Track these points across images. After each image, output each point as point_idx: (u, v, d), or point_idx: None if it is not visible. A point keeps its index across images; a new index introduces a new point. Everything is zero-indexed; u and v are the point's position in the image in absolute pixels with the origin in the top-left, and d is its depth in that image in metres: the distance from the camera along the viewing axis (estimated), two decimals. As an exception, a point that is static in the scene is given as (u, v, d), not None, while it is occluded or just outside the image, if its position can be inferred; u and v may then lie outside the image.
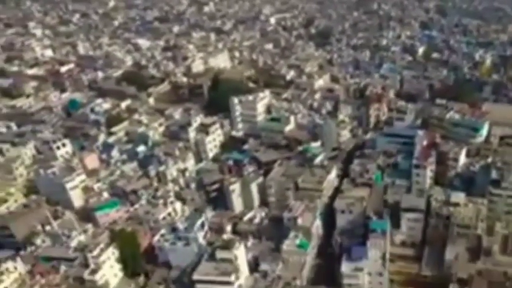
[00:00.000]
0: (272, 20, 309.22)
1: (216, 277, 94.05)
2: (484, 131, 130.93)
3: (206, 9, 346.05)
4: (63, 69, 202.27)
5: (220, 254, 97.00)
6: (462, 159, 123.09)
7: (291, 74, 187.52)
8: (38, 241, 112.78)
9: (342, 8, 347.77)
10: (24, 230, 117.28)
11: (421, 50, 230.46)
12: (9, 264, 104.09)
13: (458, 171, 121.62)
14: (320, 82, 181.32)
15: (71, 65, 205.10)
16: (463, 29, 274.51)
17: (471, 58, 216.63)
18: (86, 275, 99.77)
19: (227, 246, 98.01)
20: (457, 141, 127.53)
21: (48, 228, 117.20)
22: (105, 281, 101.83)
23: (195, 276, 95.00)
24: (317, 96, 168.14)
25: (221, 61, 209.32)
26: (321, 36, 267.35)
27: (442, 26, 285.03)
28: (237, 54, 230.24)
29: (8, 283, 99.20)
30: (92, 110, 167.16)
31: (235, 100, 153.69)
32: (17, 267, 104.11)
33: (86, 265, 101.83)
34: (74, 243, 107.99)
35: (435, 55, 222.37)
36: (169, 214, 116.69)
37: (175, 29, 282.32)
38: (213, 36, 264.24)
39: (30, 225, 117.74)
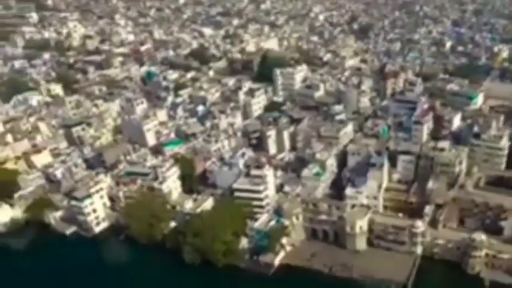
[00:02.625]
0: (320, 17, 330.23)
1: (249, 186, 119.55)
2: (478, 100, 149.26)
3: (263, 6, 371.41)
4: (142, 48, 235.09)
5: (254, 172, 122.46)
6: (456, 121, 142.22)
7: (327, 56, 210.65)
8: (121, 166, 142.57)
9: (386, 9, 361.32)
10: (112, 158, 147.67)
11: (448, 44, 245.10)
12: (102, 176, 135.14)
13: (452, 130, 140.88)
14: (350, 62, 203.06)
15: (149, 45, 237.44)
16: (490, 28, 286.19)
17: (490, 51, 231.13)
18: (156, 184, 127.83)
19: (260, 166, 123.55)
20: (454, 108, 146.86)
21: (128, 158, 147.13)
22: (169, 191, 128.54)
23: (234, 186, 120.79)
24: (346, 73, 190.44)
25: (271, 45, 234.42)
26: (361, 31, 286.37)
27: (472, 24, 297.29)
28: (285, 43, 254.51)
29: (104, 185, 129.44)
30: (164, 78, 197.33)
31: (278, 72, 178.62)
32: (107, 180, 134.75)
33: (156, 178, 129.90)
34: (148, 164, 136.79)
35: (460, 48, 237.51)
36: (218, 148, 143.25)
37: (235, 22, 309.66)
38: (266, 28, 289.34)
39: (116, 155, 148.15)
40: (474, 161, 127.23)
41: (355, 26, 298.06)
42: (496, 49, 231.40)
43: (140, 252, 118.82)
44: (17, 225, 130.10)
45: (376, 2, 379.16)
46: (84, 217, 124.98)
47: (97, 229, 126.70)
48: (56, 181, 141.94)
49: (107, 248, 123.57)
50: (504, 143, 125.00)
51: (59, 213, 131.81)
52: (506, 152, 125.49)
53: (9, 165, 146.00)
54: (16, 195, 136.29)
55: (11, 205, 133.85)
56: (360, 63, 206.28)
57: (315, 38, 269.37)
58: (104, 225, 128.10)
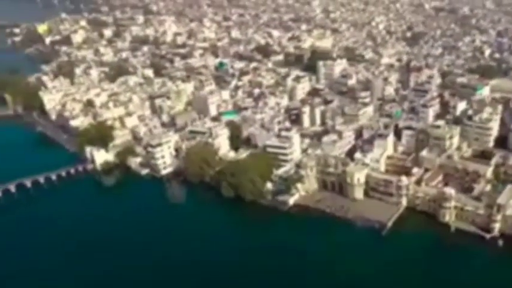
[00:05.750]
0: (380, 26, 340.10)
1: (277, 143, 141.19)
2: (483, 92, 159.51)
3: (332, 15, 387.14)
4: (219, 44, 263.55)
5: (283, 133, 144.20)
6: (460, 107, 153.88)
7: (369, 55, 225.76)
8: (188, 128, 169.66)
9: (444, 22, 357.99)
10: (181, 122, 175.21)
11: (487, 52, 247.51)
12: (171, 133, 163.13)
13: (455, 115, 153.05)
14: (386, 60, 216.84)
15: (224, 42, 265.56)
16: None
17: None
18: (210, 140, 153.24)
19: (288, 129, 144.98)
20: (461, 97, 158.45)
21: (196, 122, 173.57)
22: (219, 146, 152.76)
23: (267, 142, 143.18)
24: (381, 68, 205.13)
25: (324, 44, 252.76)
26: (413, 38, 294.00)
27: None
28: (340, 44, 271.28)
29: (172, 140, 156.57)
30: (232, 67, 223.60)
31: (321, 63, 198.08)
32: (175, 136, 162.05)
33: (210, 136, 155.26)
34: (206, 125, 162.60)
35: (497, 55, 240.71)
36: (262, 118, 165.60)
37: (303, 27, 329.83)
38: (328, 32, 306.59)
39: (185, 120, 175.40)
40: (466, 138, 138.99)
41: (408, 34, 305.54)
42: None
43: (192, 189, 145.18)
44: (109, 166, 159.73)
45: (437, 15, 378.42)
46: (155, 161, 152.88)
47: (164, 172, 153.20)
48: (139, 137, 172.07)
49: (169, 186, 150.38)
50: (492, 124, 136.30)
51: (138, 159, 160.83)
52: (493, 132, 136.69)
53: (109, 123, 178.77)
54: (110, 145, 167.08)
55: (106, 151, 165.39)
56: (395, 61, 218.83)
57: (369, 43, 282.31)
58: (169, 169, 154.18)
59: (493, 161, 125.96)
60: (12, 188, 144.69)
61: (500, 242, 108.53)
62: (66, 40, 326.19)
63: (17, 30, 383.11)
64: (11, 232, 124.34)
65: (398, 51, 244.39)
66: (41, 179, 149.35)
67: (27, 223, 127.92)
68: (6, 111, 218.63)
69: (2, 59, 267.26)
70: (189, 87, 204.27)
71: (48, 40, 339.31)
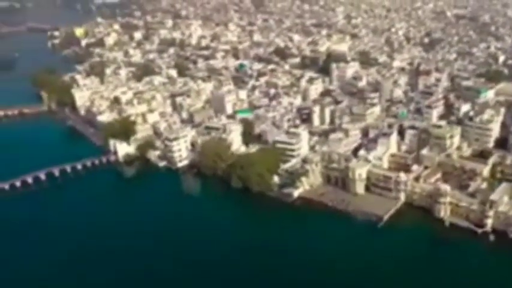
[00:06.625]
0: (400, 32, 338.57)
1: (285, 139, 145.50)
2: (487, 95, 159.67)
3: (354, 21, 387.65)
4: (240, 47, 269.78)
5: (291, 130, 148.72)
6: (464, 109, 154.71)
7: (382, 58, 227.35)
8: (204, 124, 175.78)
9: (463, 29, 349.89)
10: (199, 118, 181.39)
11: (501, 58, 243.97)
12: (188, 128, 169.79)
13: (458, 116, 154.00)
14: (397, 63, 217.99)
15: (245, 45, 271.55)
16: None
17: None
18: (223, 135, 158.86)
19: (296, 126, 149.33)
20: (466, 100, 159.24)
21: (213, 120, 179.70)
22: (231, 141, 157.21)
23: (276, 138, 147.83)
24: (393, 71, 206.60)
25: (341, 48, 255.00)
26: (429, 44, 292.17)
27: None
28: (357, 48, 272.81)
29: (188, 134, 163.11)
30: (250, 68, 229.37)
31: (334, 66, 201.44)
32: (192, 132, 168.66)
33: (224, 131, 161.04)
34: (221, 122, 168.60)
35: (510, 62, 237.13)
36: (274, 116, 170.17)
37: (324, 32, 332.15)
38: (348, 38, 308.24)
39: (202, 117, 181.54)
40: (467, 138, 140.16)
41: (426, 40, 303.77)
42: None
43: (205, 180, 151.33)
44: (130, 158, 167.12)
45: (457, 22, 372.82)
46: (172, 154, 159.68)
47: (179, 164, 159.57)
48: (159, 132, 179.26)
49: (184, 177, 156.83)
50: (493, 126, 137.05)
51: (157, 152, 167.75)
52: (493, 133, 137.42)
53: (132, 119, 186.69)
54: (132, 138, 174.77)
55: (128, 144, 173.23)
56: (406, 65, 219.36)
57: (386, 48, 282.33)
58: (185, 162, 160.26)
59: (491, 160, 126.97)
60: (42, 175, 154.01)
61: (492, 237, 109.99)
62: (100, 42, 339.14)
63: (56, 34, 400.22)
64: (40, 213, 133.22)
65: (412, 55, 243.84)
66: (68, 168, 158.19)
67: (53, 207, 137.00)
68: (42, 108, 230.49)
69: (42, 60, 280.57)
70: (208, 87, 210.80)
71: (83, 42, 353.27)
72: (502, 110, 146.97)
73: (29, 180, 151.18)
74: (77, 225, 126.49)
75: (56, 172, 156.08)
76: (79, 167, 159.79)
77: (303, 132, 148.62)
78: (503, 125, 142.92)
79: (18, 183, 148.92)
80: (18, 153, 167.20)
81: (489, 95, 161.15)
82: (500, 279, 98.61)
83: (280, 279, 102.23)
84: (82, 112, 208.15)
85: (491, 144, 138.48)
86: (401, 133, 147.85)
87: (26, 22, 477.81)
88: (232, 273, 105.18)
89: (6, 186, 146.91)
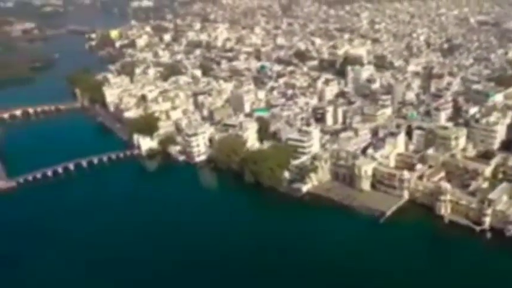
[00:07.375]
0: (421, 38, 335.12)
1: (297, 137, 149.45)
2: (495, 98, 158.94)
3: (377, 26, 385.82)
4: (263, 49, 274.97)
5: (303, 128, 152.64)
6: (472, 111, 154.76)
7: (399, 62, 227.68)
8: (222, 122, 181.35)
9: (485, 36, 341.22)
10: (219, 116, 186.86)
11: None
12: (207, 125, 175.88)
13: (466, 118, 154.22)
14: (412, 67, 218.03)
15: (268, 47, 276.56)
16: None
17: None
18: (239, 132, 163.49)
19: (309, 125, 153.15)
20: (475, 103, 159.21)
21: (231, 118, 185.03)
22: (247, 138, 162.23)
23: (288, 136, 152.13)
24: (407, 74, 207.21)
25: (359, 51, 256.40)
26: (449, 50, 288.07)
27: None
28: (376, 52, 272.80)
29: (207, 131, 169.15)
30: (270, 70, 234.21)
31: (350, 68, 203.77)
32: (210, 129, 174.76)
33: (240, 128, 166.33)
34: (239, 120, 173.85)
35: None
36: (289, 115, 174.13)
37: (346, 36, 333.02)
38: (369, 42, 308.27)
39: (222, 115, 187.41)
40: (472, 140, 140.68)
41: (445, 45, 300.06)
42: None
43: (220, 175, 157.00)
44: (152, 152, 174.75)
45: (479, 28, 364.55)
46: (191, 149, 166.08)
47: (197, 159, 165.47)
48: (181, 128, 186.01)
49: (201, 171, 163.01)
50: (498, 128, 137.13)
51: (177, 147, 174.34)
52: (499, 135, 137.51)
53: (156, 115, 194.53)
54: (155, 134, 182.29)
55: (151, 139, 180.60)
56: (420, 69, 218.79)
57: (405, 53, 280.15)
58: (202, 157, 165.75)
59: (493, 161, 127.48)
60: (71, 166, 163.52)
61: (489, 235, 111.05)
62: (132, 44, 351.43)
63: (93, 36, 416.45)
64: (69, 200, 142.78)
65: (429, 60, 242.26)
66: (95, 160, 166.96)
67: (80, 196, 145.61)
68: (75, 104, 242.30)
69: (79, 60, 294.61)
70: (229, 87, 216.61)
71: (117, 44, 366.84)
72: (510, 113, 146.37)
73: (60, 170, 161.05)
74: (102, 211, 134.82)
75: (84, 163, 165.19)
76: (105, 159, 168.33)
77: (315, 130, 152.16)
78: (511, 128, 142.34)
79: (49, 173, 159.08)
80: (52, 146, 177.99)
81: (498, 98, 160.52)
82: (495, 276, 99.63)
83: (288, 264, 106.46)
84: (111, 109, 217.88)
85: (496, 146, 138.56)
86: (409, 134, 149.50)
87: (67, 25, 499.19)
88: (242, 260, 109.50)
89: (39, 175, 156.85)
